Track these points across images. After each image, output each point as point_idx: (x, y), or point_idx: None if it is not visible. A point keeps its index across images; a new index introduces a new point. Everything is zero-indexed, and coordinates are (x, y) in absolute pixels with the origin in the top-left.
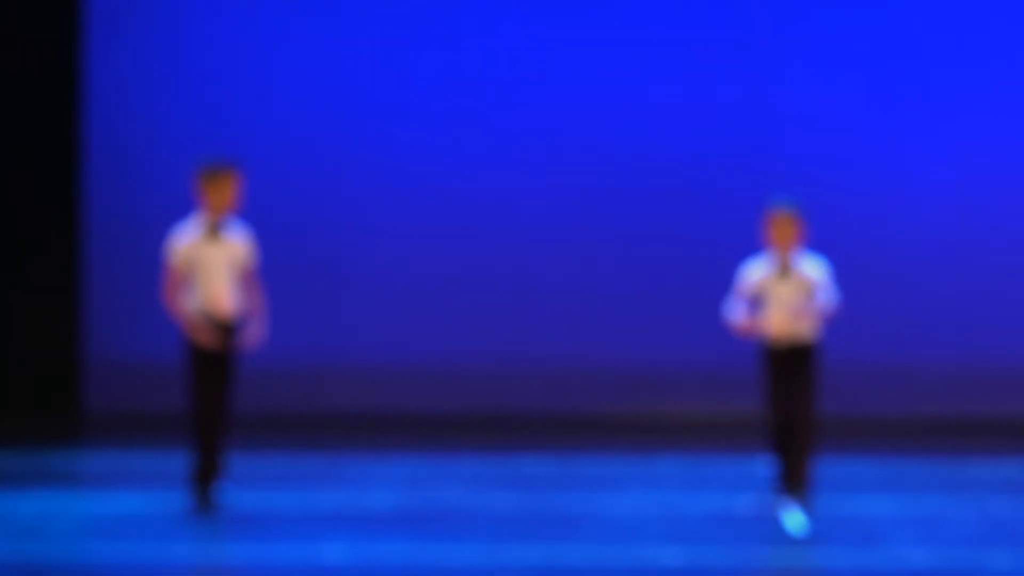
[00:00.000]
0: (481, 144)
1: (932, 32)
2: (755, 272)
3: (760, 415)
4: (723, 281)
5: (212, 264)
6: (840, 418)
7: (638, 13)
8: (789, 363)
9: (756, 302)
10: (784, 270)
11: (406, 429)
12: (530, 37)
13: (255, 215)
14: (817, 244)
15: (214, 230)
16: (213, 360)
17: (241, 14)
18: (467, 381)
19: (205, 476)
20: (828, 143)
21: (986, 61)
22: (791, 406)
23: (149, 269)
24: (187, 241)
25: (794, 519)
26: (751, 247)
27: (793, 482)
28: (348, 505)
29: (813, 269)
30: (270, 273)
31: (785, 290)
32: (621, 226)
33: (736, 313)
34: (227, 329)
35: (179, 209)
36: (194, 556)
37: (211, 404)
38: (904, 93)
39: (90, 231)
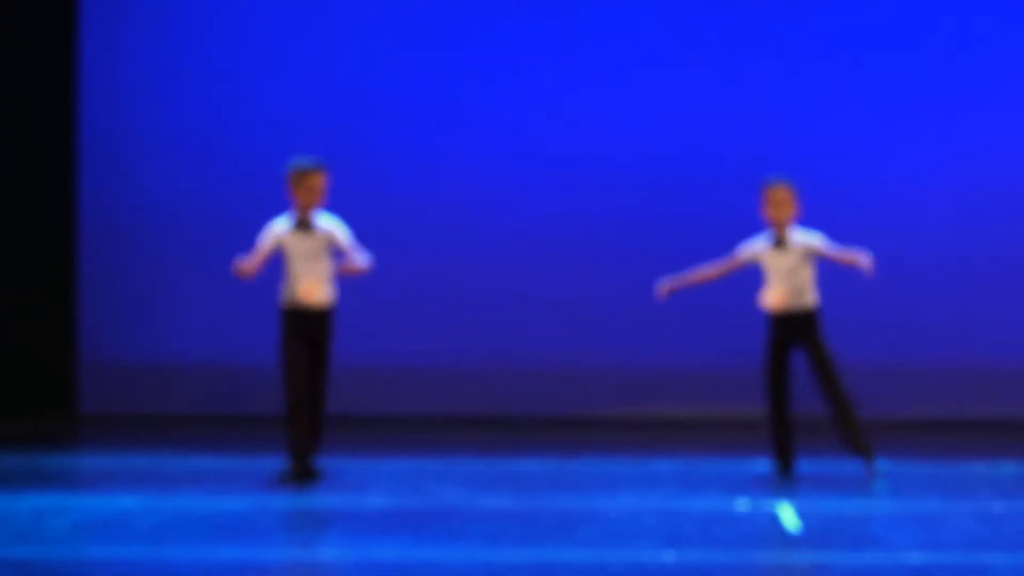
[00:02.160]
0: (474, 146)
1: (929, 33)
2: (753, 245)
3: (755, 416)
4: (722, 282)
5: (301, 256)
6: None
7: (632, 15)
8: (792, 333)
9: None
10: (781, 243)
11: (402, 429)
12: (525, 39)
13: (250, 216)
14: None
15: (304, 223)
16: (303, 345)
17: (235, 13)
18: (463, 382)
19: (302, 450)
20: (824, 145)
21: (983, 62)
22: (817, 385)
23: (144, 271)
24: (280, 231)
25: (791, 518)
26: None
27: (855, 443)
28: (343, 505)
29: (810, 239)
30: (263, 275)
31: (783, 262)
32: (617, 227)
33: (682, 276)
34: (316, 318)
35: (173, 210)
36: (189, 557)
37: (302, 385)
38: (901, 94)
39: (85, 233)
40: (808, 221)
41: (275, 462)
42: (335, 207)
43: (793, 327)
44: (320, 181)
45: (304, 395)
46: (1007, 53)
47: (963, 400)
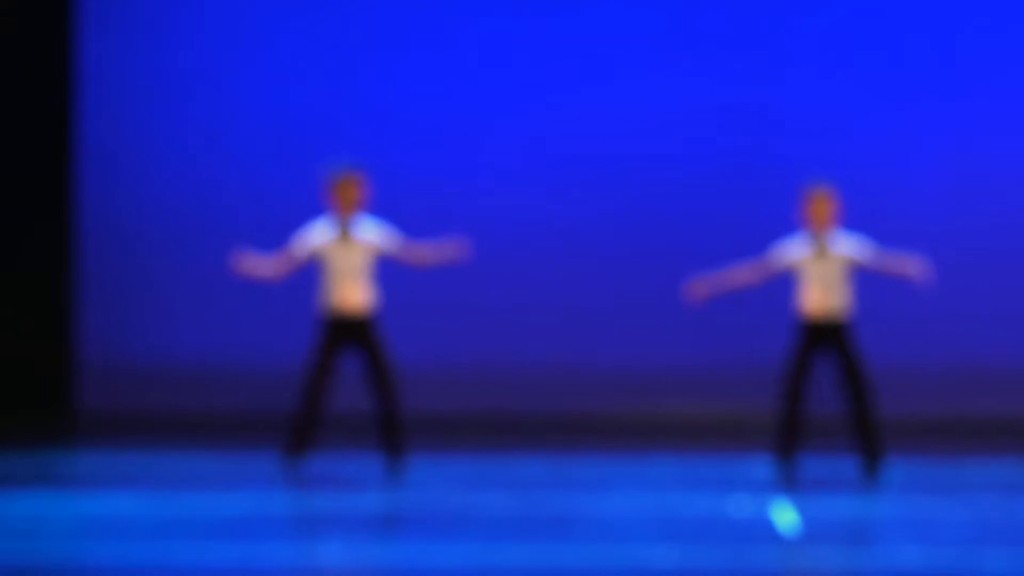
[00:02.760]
0: (470, 147)
1: (925, 32)
2: (792, 250)
3: (752, 416)
4: None
5: (343, 265)
6: (832, 418)
7: (628, 16)
8: (824, 342)
9: (786, 277)
10: (821, 248)
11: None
12: (521, 40)
13: (242, 217)
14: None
15: (345, 232)
16: (335, 356)
17: (233, 16)
18: (459, 381)
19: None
20: (820, 144)
21: (979, 61)
22: (846, 400)
23: (142, 271)
24: (319, 240)
25: (788, 519)
26: (744, 249)
27: (869, 451)
28: (340, 506)
29: (850, 246)
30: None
31: (822, 268)
32: (615, 227)
33: (713, 279)
34: (356, 326)
35: (172, 210)
36: (186, 557)
37: (319, 396)
38: (897, 93)
39: (84, 232)
40: (843, 203)
41: (268, 462)
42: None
43: (826, 336)
44: (358, 187)
45: (317, 406)
46: (1004, 52)
47: (960, 400)
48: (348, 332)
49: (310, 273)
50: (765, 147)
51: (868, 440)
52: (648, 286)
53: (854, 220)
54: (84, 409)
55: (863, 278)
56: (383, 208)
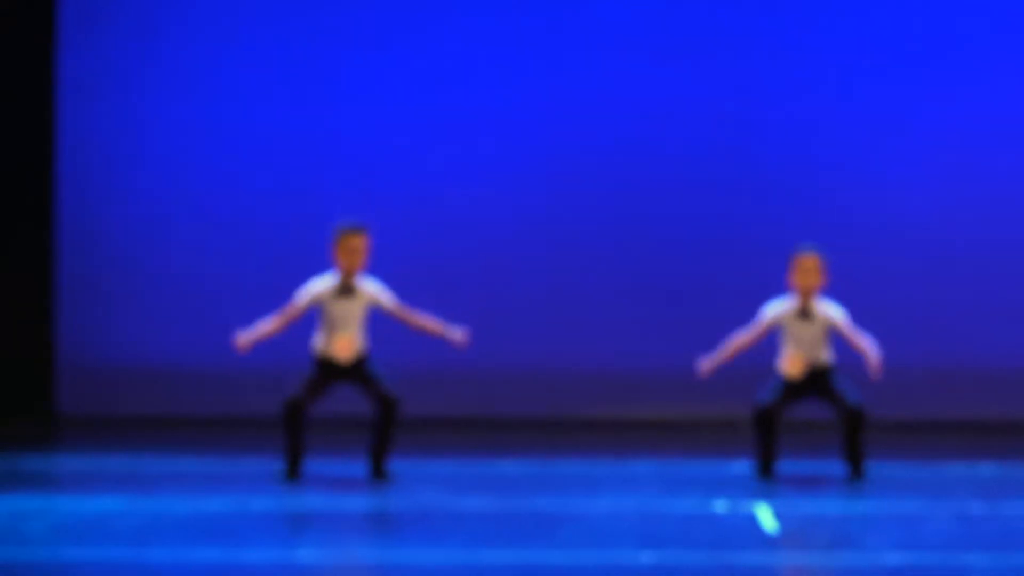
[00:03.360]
0: (456, 146)
1: (911, 31)
2: (776, 310)
3: (735, 417)
4: (703, 283)
5: (342, 317)
6: (815, 420)
7: (614, 12)
8: (807, 386)
9: (771, 336)
10: (805, 311)
11: None
12: (507, 37)
13: (221, 219)
14: (795, 244)
15: (346, 286)
16: (322, 386)
17: (216, 16)
18: (443, 383)
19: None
20: (807, 144)
21: (968, 59)
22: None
23: (123, 272)
24: (321, 290)
25: (770, 520)
26: (729, 249)
27: (853, 467)
28: (323, 506)
29: (833, 311)
30: (244, 276)
31: (806, 332)
32: (598, 228)
33: (719, 352)
34: (349, 369)
35: (152, 212)
36: (168, 559)
37: (301, 412)
38: (884, 94)
39: (63, 234)
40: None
41: (256, 463)
42: (315, 207)
43: (807, 385)
44: (361, 243)
45: (300, 432)
46: (990, 52)
47: (942, 401)
48: (340, 373)
49: (286, 277)
50: (753, 147)
51: (856, 460)
52: (631, 288)
53: (835, 223)
54: (64, 410)
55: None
56: (364, 207)
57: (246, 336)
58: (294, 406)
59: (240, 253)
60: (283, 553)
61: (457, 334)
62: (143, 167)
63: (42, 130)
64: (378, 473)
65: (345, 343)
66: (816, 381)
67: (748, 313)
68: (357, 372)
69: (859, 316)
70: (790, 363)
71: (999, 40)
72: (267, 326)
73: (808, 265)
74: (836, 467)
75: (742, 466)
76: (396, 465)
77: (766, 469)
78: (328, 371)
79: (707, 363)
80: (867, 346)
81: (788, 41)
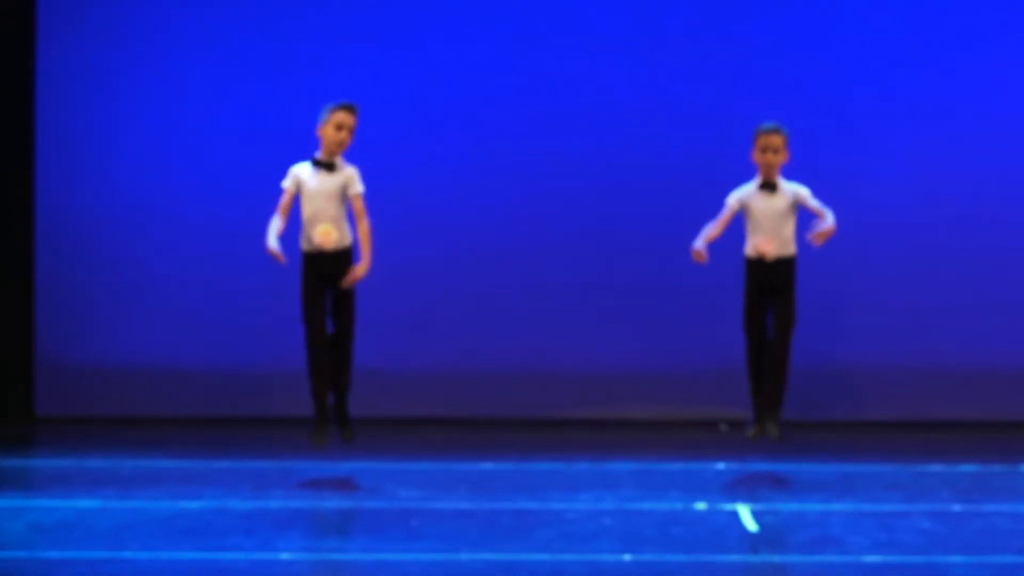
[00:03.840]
0: (436, 145)
1: (893, 31)
2: (740, 191)
3: (714, 417)
4: (680, 283)
5: (321, 194)
6: (797, 420)
7: (592, 12)
8: (771, 279)
9: (742, 219)
10: (770, 188)
11: (359, 431)
12: (485, 36)
13: (207, 218)
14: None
15: (327, 161)
16: (322, 291)
17: (193, 16)
18: (420, 383)
19: (322, 412)
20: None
21: (949, 61)
22: (774, 325)
23: (101, 273)
24: (300, 168)
25: (750, 520)
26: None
27: (769, 401)
28: (302, 506)
29: (799, 187)
30: (220, 277)
31: (772, 206)
32: (578, 228)
33: (701, 236)
34: (335, 261)
35: (130, 212)
36: (148, 559)
37: (322, 335)
38: (866, 95)
39: (41, 235)
40: (792, 147)
41: (234, 463)
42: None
43: (773, 274)
44: (351, 120)
45: (322, 344)
46: (974, 53)
47: (920, 401)
48: (326, 266)
49: (263, 275)
50: (729, 149)
51: (776, 383)
52: (610, 288)
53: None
54: (42, 411)
55: (821, 279)
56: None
57: (273, 246)
58: (315, 341)
59: (219, 254)
60: (261, 553)
61: (356, 272)
62: (122, 168)
63: (21, 131)
64: (321, 432)
65: (325, 229)
66: (781, 273)
67: (732, 314)
68: (339, 272)
69: (840, 316)
70: (761, 242)
71: (983, 40)
72: (278, 226)
73: (772, 142)
74: (817, 468)
75: (722, 466)
76: (373, 465)
77: (761, 411)
78: (318, 265)
79: (700, 250)
80: (827, 216)
81: (770, 42)
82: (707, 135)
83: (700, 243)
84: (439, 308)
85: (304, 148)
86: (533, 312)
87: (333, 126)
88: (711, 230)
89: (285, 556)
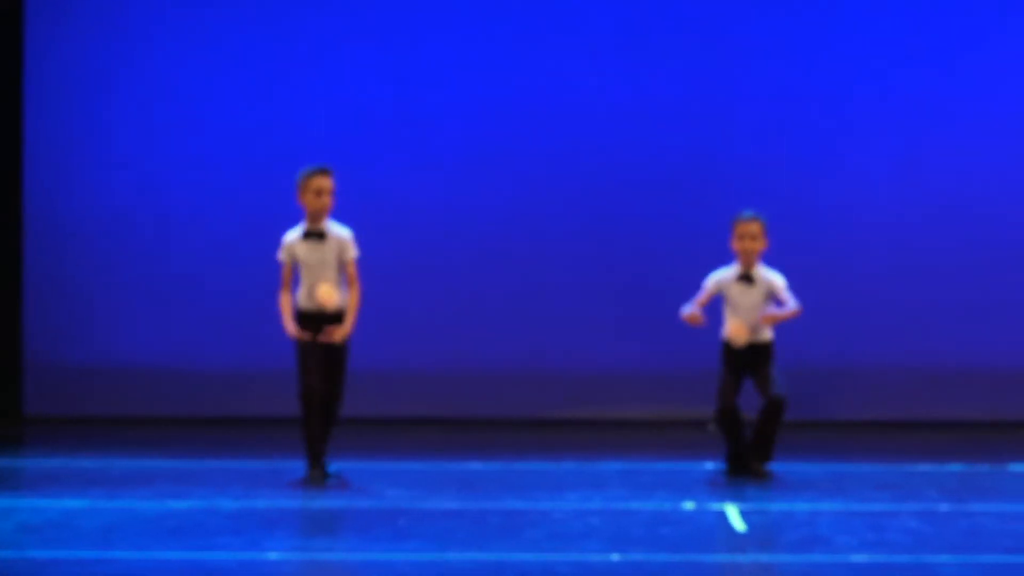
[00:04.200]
0: (429, 146)
1: (889, 32)
2: (718, 276)
3: (702, 416)
4: (669, 283)
5: (317, 262)
6: (785, 420)
7: (583, 12)
8: (745, 361)
9: (718, 303)
10: (747, 278)
11: (348, 431)
12: (476, 36)
13: (193, 218)
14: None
15: (315, 230)
16: (316, 349)
17: (182, 17)
18: (408, 383)
19: (315, 456)
20: (777, 144)
21: (938, 61)
22: (763, 401)
23: (89, 273)
24: (292, 238)
25: (738, 519)
26: (697, 249)
27: (759, 456)
28: (290, 506)
29: (775, 278)
30: (210, 276)
31: (749, 297)
32: (568, 230)
33: (689, 306)
34: (332, 320)
35: (118, 212)
36: (136, 559)
37: (317, 391)
38: (852, 94)
39: (30, 235)
40: (771, 235)
41: (221, 463)
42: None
43: (747, 357)
44: (327, 183)
45: (316, 403)
46: (958, 52)
47: (908, 401)
48: (323, 324)
49: (255, 274)
50: (724, 148)
51: (764, 450)
52: (597, 288)
53: (801, 223)
54: (31, 411)
55: (806, 278)
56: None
57: (295, 332)
58: (308, 395)
59: (208, 255)
60: (249, 553)
61: (337, 334)
62: (111, 168)
63: (9, 130)
64: (318, 470)
65: (327, 289)
66: (756, 355)
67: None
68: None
69: (826, 317)
70: (734, 329)
71: (969, 39)
72: (286, 304)
73: (750, 230)
74: (805, 468)
75: (710, 466)
76: (361, 465)
77: (736, 463)
78: (315, 324)
79: (693, 316)
80: (789, 306)
81: (760, 42)
82: (703, 136)
83: (690, 307)
84: (428, 309)
85: (293, 150)
86: (522, 313)
87: (312, 193)
88: (691, 306)
89: (274, 556)
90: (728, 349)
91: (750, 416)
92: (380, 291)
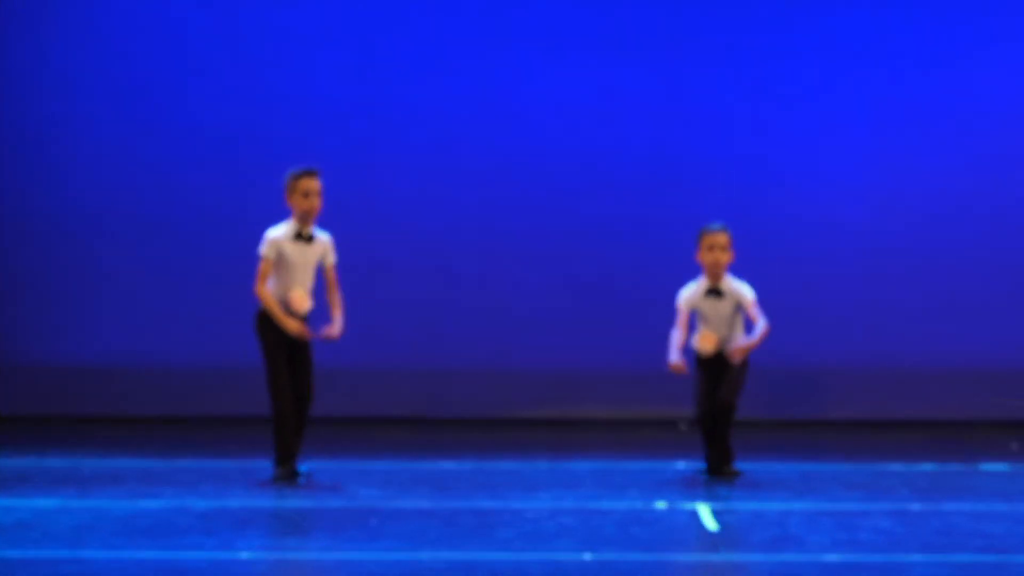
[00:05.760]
0: (396, 146)
1: (847, 29)
2: (688, 293)
3: (674, 415)
4: (641, 282)
5: (299, 267)
6: (756, 419)
7: (556, 13)
8: (719, 368)
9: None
10: (716, 291)
11: (319, 430)
12: (443, 35)
13: (164, 217)
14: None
15: (304, 232)
16: (288, 350)
17: (154, 15)
18: (380, 383)
19: (289, 455)
20: (748, 144)
21: (905, 59)
22: (718, 397)
23: (58, 272)
24: (280, 236)
25: (710, 519)
26: (668, 248)
27: (723, 460)
28: (261, 506)
29: (744, 291)
30: (178, 278)
31: (719, 309)
32: (538, 229)
33: (672, 350)
34: (305, 321)
35: (87, 211)
36: (107, 558)
37: (290, 389)
38: (820, 92)
39: None
40: (735, 223)
41: (192, 463)
42: (253, 210)
43: (720, 364)
44: (316, 184)
45: (290, 401)
46: (928, 51)
47: (880, 400)
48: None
49: (225, 272)
50: (693, 147)
51: (723, 452)
52: (569, 287)
53: (770, 222)
54: (0, 412)
55: (776, 277)
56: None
57: (295, 328)
58: (282, 393)
59: (176, 254)
60: (221, 552)
61: (332, 331)
62: (80, 167)
63: None
64: (287, 467)
65: (301, 294)
66: (726, 361)
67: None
68: (301, 340)
69: (798, 317)
70: (702, 339)
71: (945, 39)
72: (273, 300)
73: (718, 241)
74: (777, 467)
75: (682, 465)
76: (333, 464)
77: (715, 468)
78: (284, 331)
79: (678, 362)
80: (756, 331)
81: (732, 42)
82: (674, 136)
83: (675, 356)
84: (399, 308)
85: (261, 148)
86: (493, 312)
87: (301, 195)
88: (677, 338)
89: (245, 555)
90: (700, 359)
91: None
92: (350, 291)
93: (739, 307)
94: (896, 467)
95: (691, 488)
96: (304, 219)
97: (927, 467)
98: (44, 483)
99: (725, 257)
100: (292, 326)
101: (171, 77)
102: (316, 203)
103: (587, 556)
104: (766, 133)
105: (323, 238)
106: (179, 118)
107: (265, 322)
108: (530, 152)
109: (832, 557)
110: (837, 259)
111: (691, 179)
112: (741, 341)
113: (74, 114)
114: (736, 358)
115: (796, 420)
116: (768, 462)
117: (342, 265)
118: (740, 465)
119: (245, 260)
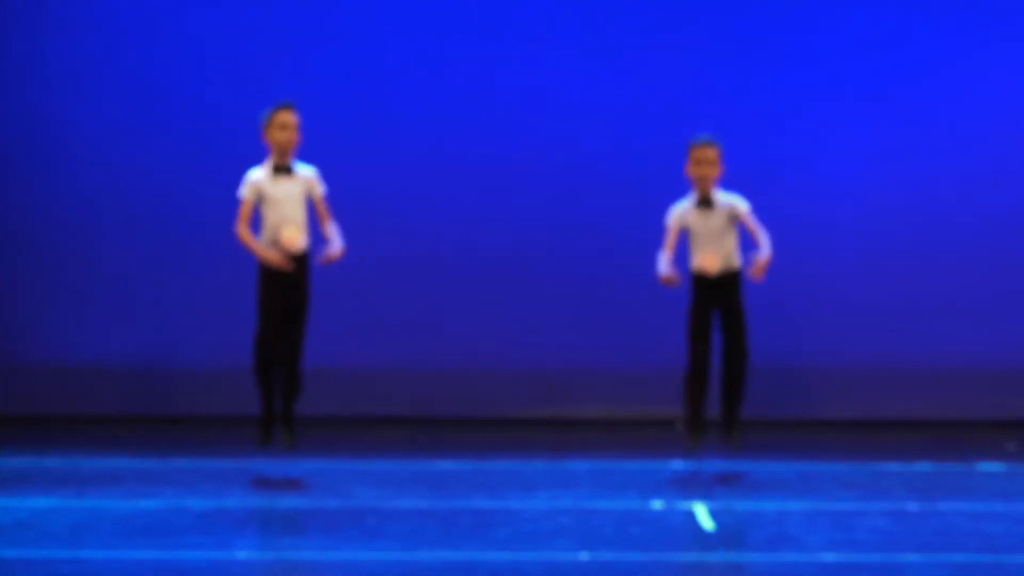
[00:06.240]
0: (392, 144)
1: (847, 29)
2: (678, 209)
3: (672, 416)
4: (638, 281)
5: (284, 200)
6: (752, 418)
7: (550, 11)
8: (717, 294)
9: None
10: (707, 204)
11: (316, 430)
12: (434, 33)
13: (157, 215)
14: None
15: (283, 165)
16: (281, 296)
17: (147, 12)
18: (377, 382)
19: (267, 418)
20: (741, 142)
21: (903, 61)
22: (727, 345)
23: (53, 270)
24: (258, 175)
25: (707, 518)
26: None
27: (728, 423)
28: (259, 505)
29: (736, 201)
30: (169, 275)
31: (710, 223)
32: (535, 227)
33: (661, 263)
34: (296, 264)
35: (81, 209)
36: (105, 558)
37: (276, 333)
38: (820, 92)
39: None
40: (727, 159)
41: (190, 463)
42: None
43: (719, 289)
44: (292, 118)
45: (276, 351)
46: (926, 50)
47: (877, 399)
48: (287, 274)
49: (220, 271)
50: (682, 148)
51: (736, 400)
52: (566, 286)
53: (768, 222)
54: None
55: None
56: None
57: (277, 259)
58: (266, 344)
59: (173, 252)
60: (218, 552)
61: (332, 251)
62: (76, 165)
63: None
64: (289, 434)
65: (293, 231)
66: (727, 286)
67: (684, 311)
68: (300, 274)
69: (795, 316)
70: (705, 259)
71: (937, 37)
72: (250, 235)
73: (706, 155)
74: (774, 467)
75: (679, 465)
76: (330, 464)
77: (697, 426)
78: (278, 272)
79: (669, 277)
80: (763, 243)
81: (727, 39)
82: (669, 134)
83: (667, 268)
84: (395, 306)
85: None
86: (490, 311)
87: (277, 128)
88: (666, 255)
89: (242, 555)
90: (699, 284)
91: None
92: (346, 290)
93: (732, 221)
94: (894, 467)
95: (688, 488)
96: (282, 153)
97: (925, 467)
98: (43, 483)
99: (714, 172)
100: (272, 257)
101: (171, 77)
102: (293, 136)
103: (584, 556)
104: (766, 133)
105: (306, 171)
106: (179, 118)
107: (260, 273)
108: (529, 151)
109: (830, 557)
110: (835, 259)
111: (687, 179)
112: (763, 254)
113: (74, 114)
114: (759, 275)
115: (793, 420)
116: (765, 462)
117: (337, 265)
118: (737, 466)
119: (245, 260)
